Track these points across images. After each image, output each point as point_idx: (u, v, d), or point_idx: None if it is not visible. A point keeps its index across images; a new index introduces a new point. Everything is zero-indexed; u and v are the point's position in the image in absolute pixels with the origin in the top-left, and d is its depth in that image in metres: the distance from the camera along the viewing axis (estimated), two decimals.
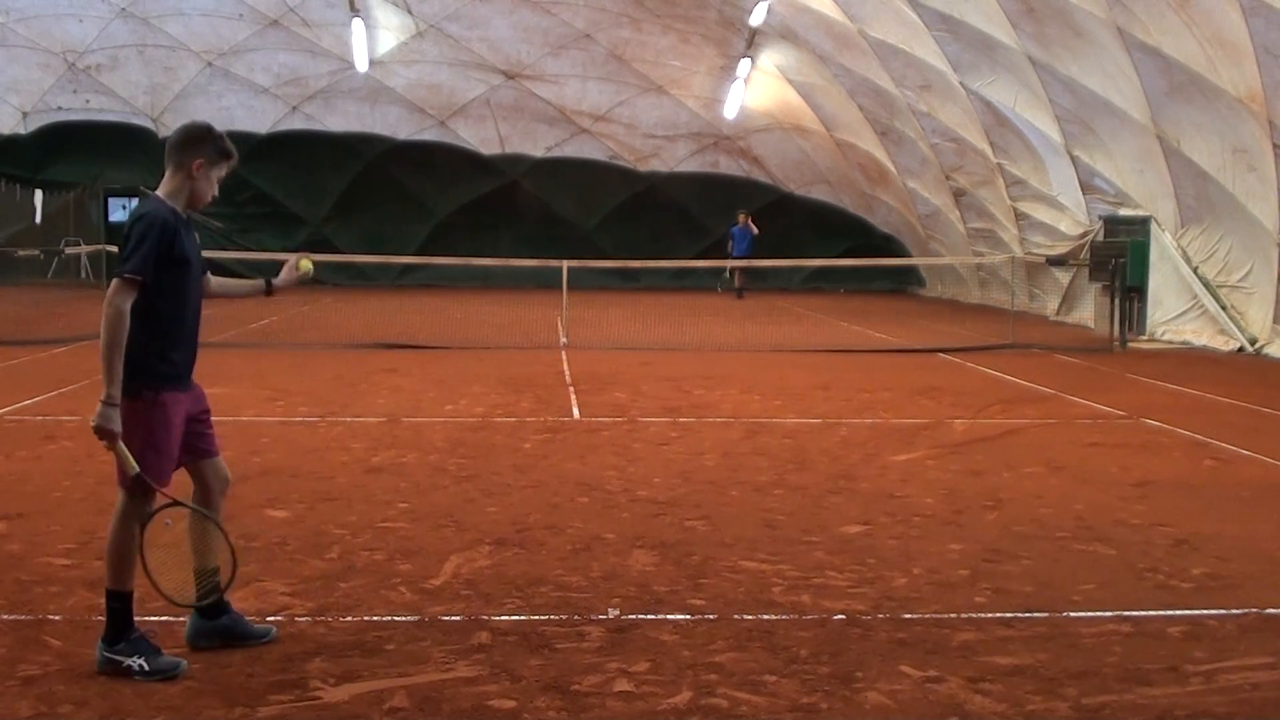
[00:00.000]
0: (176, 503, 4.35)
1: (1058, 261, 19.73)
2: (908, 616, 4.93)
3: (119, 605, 4.25)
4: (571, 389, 11.79)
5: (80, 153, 28.78)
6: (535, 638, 4.61)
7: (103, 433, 4.18)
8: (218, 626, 4.52)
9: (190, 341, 4.48)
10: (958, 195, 24.13)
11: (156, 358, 4.33)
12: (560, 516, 6.59)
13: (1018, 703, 4.03)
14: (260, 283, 4.95)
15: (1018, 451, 8.75)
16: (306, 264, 4.92)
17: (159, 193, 4.46)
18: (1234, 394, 11.81)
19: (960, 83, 20.02)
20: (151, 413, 4.28)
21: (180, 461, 4.44)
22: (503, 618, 4.86)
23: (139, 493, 4.23)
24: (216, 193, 4.54)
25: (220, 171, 4.50)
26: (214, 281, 4.74)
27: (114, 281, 4.19)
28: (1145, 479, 7.80)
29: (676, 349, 15.68)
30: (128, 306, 4.20)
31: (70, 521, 6.35)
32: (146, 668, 4.17)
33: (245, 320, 18.04)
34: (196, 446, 4.50)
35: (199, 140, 4.46)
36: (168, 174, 4.47)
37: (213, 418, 4.60)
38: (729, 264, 24.24)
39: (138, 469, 4.20)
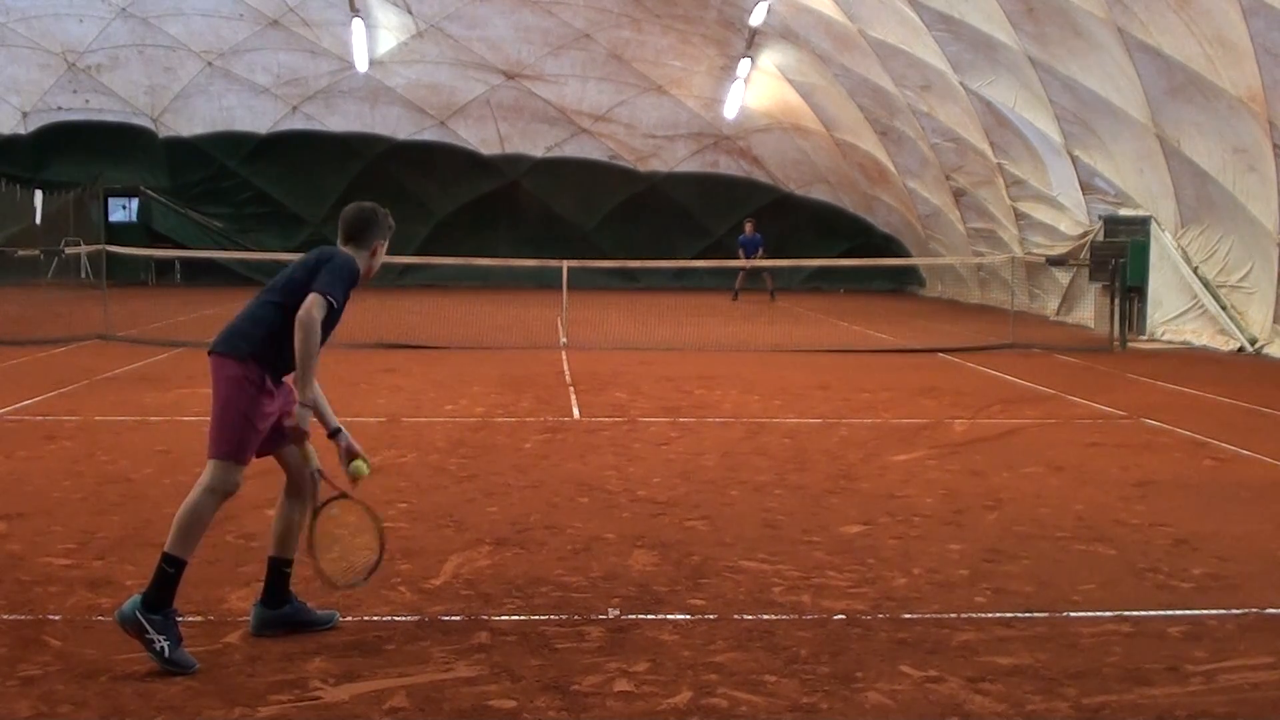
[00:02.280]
0: (343, 495, 4.70)
1: (1058, 261, 19.73)
2: (908, 616, 4.93)
3: (173, 571, 4.33)
4: (571, 389, 11.79)
5: (80, 153, 28.79)
6: (535, 638, 4.62)
7: (297, 434, 4.50)
8: (281, 615, 4.64)
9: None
10: (958, 195, 24.13)
11: (274, 352, 4.50)
12: (560, 516, 6.59)
13: (1018, 703, 4.03)
14: (331, 425, 4.80)
15: (1018, 451, 8.75)
16: (361, 467, 4.75)
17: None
18: (1234, 394, 11.81)
19: (960, 83, 20.02)
20: (255, 388, 4.46)
21: (268, 449, 4.63)
22: (503, 618, 4.86)
23: (233, 460, 4.41)
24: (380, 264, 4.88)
25: (385, 247, 4.87)
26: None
27: (314, 297, 4.42)
28: (1145, 479, 7.80)
29: (676, 349, 15.67)
30: (321, 317, 4.43)
31: (70, 521, 6.35)
32: (167, 654, 4.21)
33: None
34: (284, 432, 4.64)
35: (380, 225, 4.80)
36: (349, 249, 4.74)
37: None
38: (744, 263, 24.16)
39: (319, 468, 4.62)
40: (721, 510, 6.81)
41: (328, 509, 4.69)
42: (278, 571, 4.66)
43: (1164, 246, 17.47)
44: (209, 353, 4.53)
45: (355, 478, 4.72)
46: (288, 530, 4.69)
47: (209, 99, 28.87)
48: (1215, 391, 11.98)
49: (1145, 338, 17.56)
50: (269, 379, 4.50)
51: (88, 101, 28.77)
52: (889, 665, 4.36)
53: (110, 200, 30.50)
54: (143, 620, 4.22)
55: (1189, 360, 15.20)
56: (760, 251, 25.48)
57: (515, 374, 12.81)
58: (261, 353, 4.47)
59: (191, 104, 28.94)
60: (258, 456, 4.60)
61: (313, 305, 4.40)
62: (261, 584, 4.70)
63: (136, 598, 4.29)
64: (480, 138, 30.27)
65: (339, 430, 4.79)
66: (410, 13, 26.78)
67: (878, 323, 20.41)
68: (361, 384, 11.85)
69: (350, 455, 4.75)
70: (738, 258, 25.73)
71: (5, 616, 4.81)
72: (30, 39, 27.23)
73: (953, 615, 4.94)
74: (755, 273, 25.09)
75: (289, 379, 4.58)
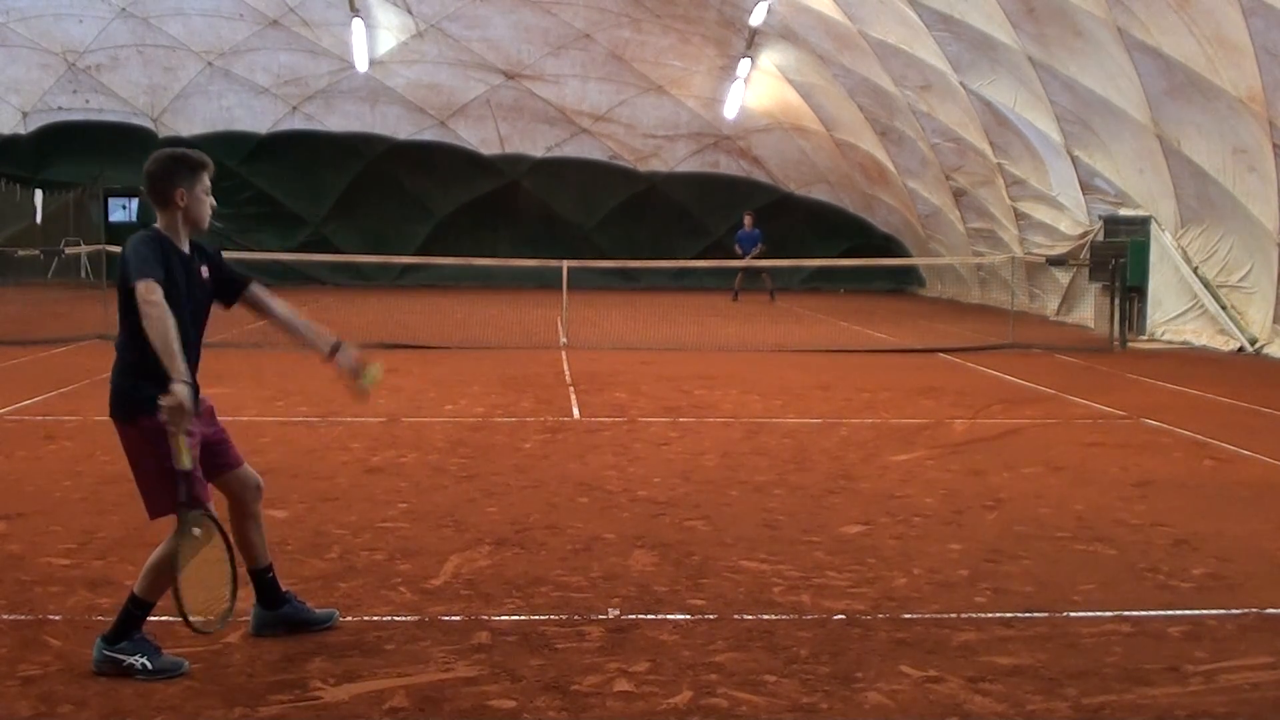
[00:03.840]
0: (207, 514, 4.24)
1: (1058, 261, 19.73)
2: (908, 616, 4.93)
3: (139, 613, 4.26)
4: (571, 389, 11.79)
5: (80, 153, 28.79)
6: (535, 638, 4.61)
7: (173, 413, 3.98)
8: (280, 615, 4.62)
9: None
10: (958, 195, 24.12)
11: (149, 382, 4.09)
12: (560, 516, 6.59)
13: (1018, 703, 4.03)
14: (328, 342, 4.58)
15: (1018, 451, 8.75)
16: (375, 372, 4.54)
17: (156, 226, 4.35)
18: (1234, 394, 11.81)
19: (960, 83, 20.02)
20: (158, 438, 4.13)
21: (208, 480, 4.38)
22: (503, 618, 4.86)
23: (186, 505, 4.14)
24: (214, 203, 4.41)
25: (204, 184, 4.34)
26: (262, 295, 4.57)
27: (135, 289, 4.03)
28: (1145, 479, 7.80)
29: (676, 349, 15.67)
30: (159, 297, 4.03)
31: (70, 521, 6.35)
32: (150, 666, 4.17)
33: (245, 320, 18.00)
34: (216, 463, 4.45)
35: (166, 173, 4.29)
36: (158, 216, 4.33)
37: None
38: (743, 263, 24.17)
39: (190, 465, 4.10)
40: (721, 510, 6.80)
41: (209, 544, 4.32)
42: (261, 579, 4.63)
43: (1164, 246, 17.47)
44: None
45: (370, 386, 4.53)
46: (247, 542, 4.57)
47: (209, 99, 28.87)
48: (1215, 391, 11.98)
49: (1145, 338, 17.56)
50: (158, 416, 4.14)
51: (88, 101, 28.76)
52: (889, 665, 4.35)
53: (110, 200, 30.49)
54: (112, 655, 4.19)
55: (1189, 360, 15.20)
56: (760, 247, 25.45)
57: (515, 374, 12.80)
58: (143, 400, 4.10)
59: (191, 104, 28.93)
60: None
61: (141, 295, 4.01)
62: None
63: (98, 643, 4.23)
64: (480, 138, 30.27)
65: (338, 344, 4.55)
66: (410, 13, 26.78)
67: (878, 323, 20.41)
68: None
69: (357, 370, 4.55)
70: (734, 252, 25.74)
71: (5, 616, 4.81)
72: (30, 39, 27.22)
73: (953, 615, 4.94)
74: (754, 272, 25.05)
75: (204, 396, 4.29)
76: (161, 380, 3.98)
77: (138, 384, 4.15)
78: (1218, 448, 8.94)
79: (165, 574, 4.20)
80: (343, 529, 6.22)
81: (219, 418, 4.58)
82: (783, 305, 24.68)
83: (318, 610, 4.74)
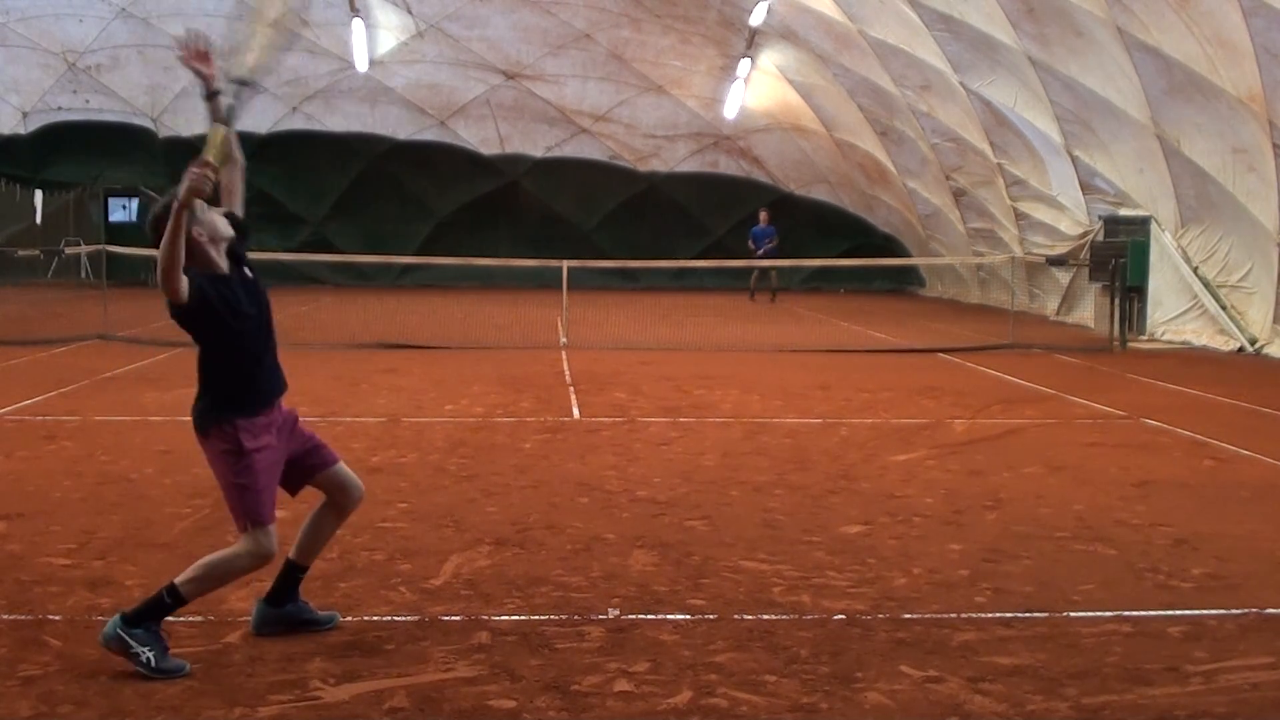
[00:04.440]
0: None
1: (1058, 261, 19.73)
2: (908, 616, 4.93)
3: (170, 604, 4.30)
4: (571, 389, 11.79)
5: (80, 153, 28.76)
6: (535, 638, 4.61)
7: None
8: (284, 614, 4.64)
9: (260, 365, 4.47)
10: (958, 195, 24.12)
11: (217, 400, 4.34)
12: (560, 516, 6.59)
13: (1018, 703, 4.03)
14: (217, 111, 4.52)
15: (1018, 451, 8.75)
16: (220, 136, 4.36)
17: None
18: (1234, 394, 11.81)
19: (960, 83, 20.01)
20: (238, 453, 4.30)
21: (299, 485, 4.63)
22: (503, 618, 4.86)
23: (255, 527, 4.30)
24: (219, 229, 4.35)
25: (194, 223, 4.22)
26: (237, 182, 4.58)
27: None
28: (1145, 479, 7.80)
29: (676, 349, 15.67)
30: (162, 240, 4.08)
31: (70, 521, 6.35)
32: (154, 664, 4.18)
33: None
34: (309, 464, 4.60)
35: (156, 220, 4.19)
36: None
37: None
38: (755, 263, 24.25)
39: (210, 165, 4.12)
40: (721, 510, 6.80)
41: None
42: (291, 575, 4.67)
43: (1164, 246, 17.47)
44: None
45: (216, 149, 4.34)
46: (315, 539, 4.70)
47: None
48: (1215, 391, 11.98)
49: (1145, 338, 17.56)
50: (244, 432, 4.29)
51: (88, 101, 28.74)
52: (889, 665, 4.36)
53: (110, 200, 30.48)
54: (125, 636, 4.19)
55: (1189, 360, 15.20)
56: (774, 241, 25.54)
57: (515, 374, 12.80)
58: (221, 410, 4.31)
59: (191, 104, 28.81)
60: (293, 495, 4.65)
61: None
62: (269, 583, 4.69)
63: (116, 618, 4.26)
64: (480, 138, 30.26)
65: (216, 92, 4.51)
66: (410, 13, 26.77)
67: (878, 323, 20.41)
68: (362, 384, 11.85)
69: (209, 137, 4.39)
70: (749, 248, 25.83)
71: (5, 616, 4.82)
72: (30, 39, 27.21)
73: (953, 615, 4.94)
74: (764, 270, 25.17)
75: (283, 404, 4.52)
76: (227, 402, 4.30)
77: (209, 402, 4.35)
78: (1218, 448, 8.94)
79: (216, 581, 4.36)
80: (343, 529, 6.18)
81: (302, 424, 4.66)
82: (782, 305, 24.69)
83: (320, 612, 4.75)
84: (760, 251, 25.48)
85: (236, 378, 4.38)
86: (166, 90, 28.68)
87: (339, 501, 4.70)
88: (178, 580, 4.31)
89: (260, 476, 4.32)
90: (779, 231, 26.00)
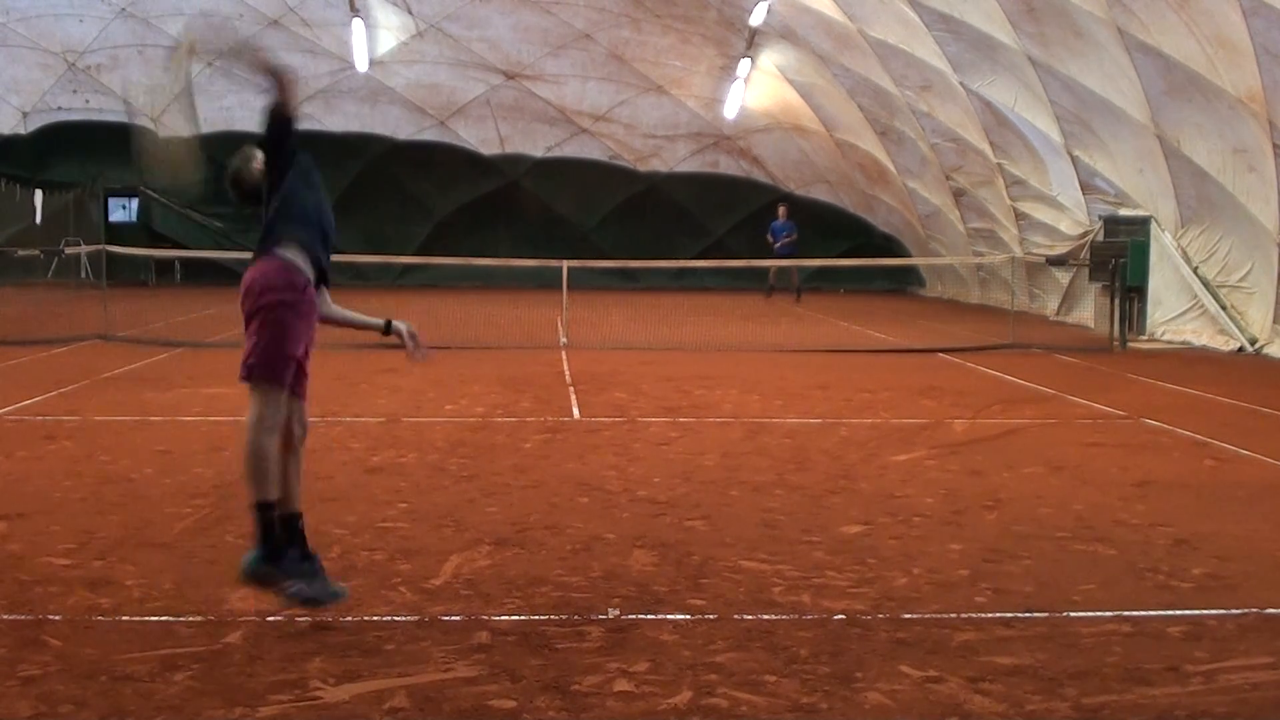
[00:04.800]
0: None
1: (1058, 261, 19.72)
2: (908, 616, 4.93)
3: (269, 515, 4.43)
4: (571, 389, 11.79)
5: (80, 153, 28.78)
6: (535, 638, 4.61)
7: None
8: (270, 571, 4.64)
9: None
10: (958, 195, 24.13)
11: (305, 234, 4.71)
12: (560, 516, 6.59)
13: (1018, 703, 4.03)
14: (380, 321, 5.23)
15: (1018, 451, 8.75)
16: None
17: None
18: (1234, 394, 11.80)
19: (960, 83, 20.02)
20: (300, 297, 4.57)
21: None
22: (503, 618, 4.86)
23: (266, 381, 4.46)
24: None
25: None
26: (330, 303, 5.01)
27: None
28: (1145, 479, 7.80)
29: (676, 349, 15.67)
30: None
31: (70, 521, 6.34)
32: (304, 595, 4.36)
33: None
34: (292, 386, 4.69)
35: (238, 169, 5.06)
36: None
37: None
38: (772, 263, 24.36)
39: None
40: (721, 510, 6.80)
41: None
42: (291, 525, 4.68)
43: (1164, 246, 17.47)
44: None
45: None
46: (285, 478, 4.69)
47: (209, 99, 28.75)
48: (1215, 391, 11.98)
49: (1145, 338, 17.56)
50: (303, 278, 4.68)
51: (88, 101, 28.76)
52: (889, 665, 4.35)
53: (110, 200, 30.48)
54: (268, 571, 4.38)
55: (1189, 360, 15.20)
56: (793, 235, 25.60)
57: (515, 374, 12.80)
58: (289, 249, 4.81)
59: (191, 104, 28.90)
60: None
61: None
62: (269, 587, 4.66)
63: (252, 553, 4.42)
64: (480, 138, 30.27)
65: (391, 322, 5.22)
66: (410, 13, 26.78)
67: (878, 323, 20.41)
68: (361, 384, 11.85)
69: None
70: (767, 243, 25.91)
71: (5, 616, 4.81)
72: (30, 39, 27.23)
73: (953, 615, 4.94)
74: (784, 269, 25.24)
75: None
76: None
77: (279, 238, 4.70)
78: (1218, 448, 8.94)
79: (258, 468, 4.43)
80: (343, 529, 6.22)
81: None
82: (782, 305, 24.69)
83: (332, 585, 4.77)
84: (778, 245, 25.56)
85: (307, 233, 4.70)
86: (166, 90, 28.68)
87: (290, 431, 4.71)
88: (249, 502, 4.46)
89: (300, 323, 4.54)
90: (768, 231, 26.07)
